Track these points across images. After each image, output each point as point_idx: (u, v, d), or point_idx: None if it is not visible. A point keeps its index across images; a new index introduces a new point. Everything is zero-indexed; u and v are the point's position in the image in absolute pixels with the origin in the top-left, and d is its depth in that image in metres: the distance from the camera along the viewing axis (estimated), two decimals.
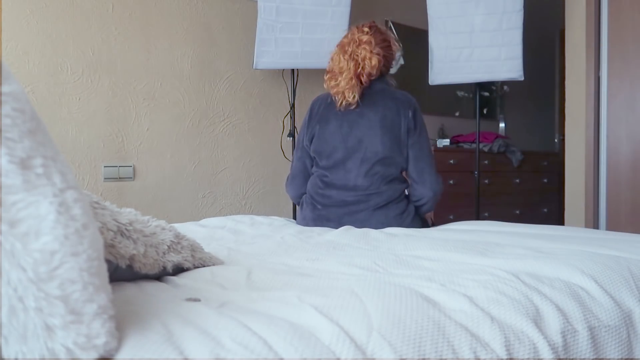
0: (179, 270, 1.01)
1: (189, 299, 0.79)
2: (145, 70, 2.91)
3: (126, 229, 0.89)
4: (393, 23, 3.95)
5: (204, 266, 1.06)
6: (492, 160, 3.94)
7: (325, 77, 1.94)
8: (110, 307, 0.59)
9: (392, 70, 2.08)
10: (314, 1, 2.99)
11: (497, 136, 4.07)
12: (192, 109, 3.08)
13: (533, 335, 0.79)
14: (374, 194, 1.84)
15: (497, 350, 0.74)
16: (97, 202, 0.89)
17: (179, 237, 1.02)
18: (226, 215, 3.14)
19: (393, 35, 2.07)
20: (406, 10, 4.07)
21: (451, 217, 3.52)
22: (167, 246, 0.97)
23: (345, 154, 1.86)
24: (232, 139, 3.23)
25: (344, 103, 1.87)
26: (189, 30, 3.06)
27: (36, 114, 0.61)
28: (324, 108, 1.95)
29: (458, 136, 4.15)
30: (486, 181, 3.87)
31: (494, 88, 4.70)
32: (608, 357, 0.86)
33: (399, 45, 2.04)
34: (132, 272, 0.90)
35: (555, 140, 5.29)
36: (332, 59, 1.96)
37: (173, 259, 0.97)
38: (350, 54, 1.90)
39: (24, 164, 0.57)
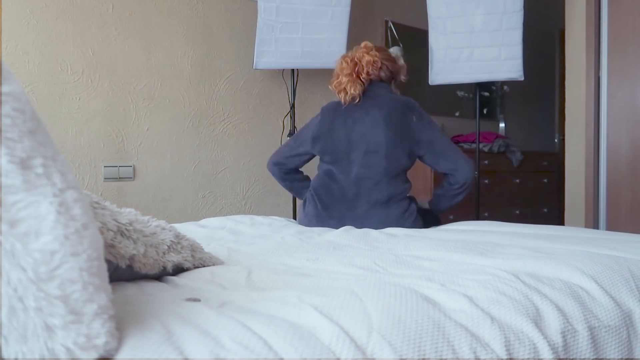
0: (179, 270, 1.01)
1: (189, 299, 0.79)
2: (145, 70, 2.91)
3: (126, 229, 0.89)
4: (393, 23, 3.95)
5: (204, 266, 1.06)
6: (492, 160, 3.94)
7: (331, 83, 2.05)
8: (110, 307, 0.59)
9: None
10: (314, 1, 2.99)
11: (497, 136, 4.07)
12: (192, 109, 3.08)
13: (533, 336, 0.79)
14: (375, 188, 1.86)
15: (497, 350, 0.74)
16: (97, 202, 0.89)
17: (179, 237, 1.02)
18: (226, 215, 3.14)
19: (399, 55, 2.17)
20: (406, 10, 4.07)
21: (451, 217, 3.52)
22: (167, 246, 0.97)
23: (349, 147, 1.92)
24: (232, 139, 3.23)
25: (347, 98, 1.95)
26: (189, 30, 3.06)
27: (36, 114, 0.61)
28: (332, 111, 2.02)
29: (458, 136, 4.15)
30: (486, 181, 3.87)
31: (494, 88, 4.70)
32: (608, 357, 0.86)
33: (404, 65, 2.13)
34: (132, 272, 0.90)
35: (555, 140, 5.29)
36: (336, 67, 2.07)
37: (173, 259, 0.97)
38: (352, 58, 2.01)
39: (24, 164, 0.57)
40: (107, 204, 0.92)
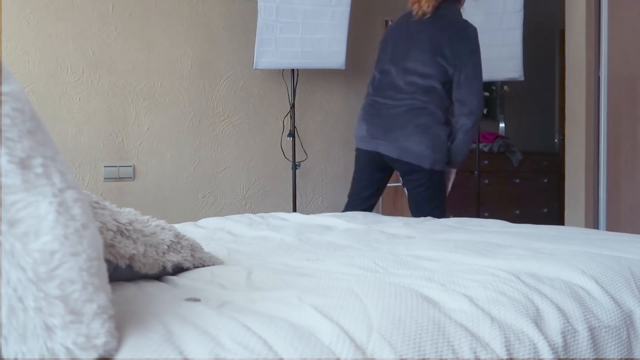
0: (178, 270, 1.01)
1: (189, 299, 0.79)
2: (145, 70, 2.91)
3: (126, 229, 0.89)
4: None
5: (203, 266, 1.05)
6: (492, 160, 3.94)
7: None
8: (110, 307, 0.59)
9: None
10: (314, 1, 2.99)
11: (497, 136, 4.07)
12: (192, 109, 3.08)
13: (533, 336, 0.78)
14: (410, 98, 2.16)
15: (497, 350, 0.74)
16: (97, 202, 0.89)
17: (178, 236, 1.02)
18: (226, 215, 3.15)
19: None
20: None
21: (451, 216, 3.52)
22: (167, 246, 0.97)
23: (393, 62, 2.22)
24: (232, 139, 3.23)
25: (419, 12, 2.22)
26: (189, 30, 3.06)
27: (36, 114, 0.61)
28: (390, 29, 2.36)
29: None
30: (486, 181, 3.87)
31: (494, 88, 4.70)
32: (608, 357, 0.86)
33: None
34: (131, 272, 0.90)
35: (555, 140, 5.29)
36: None
37: (173, 258, 0.97)
38: None
39: (24, 164, 0.57)
40: (107, 203, 0.92)
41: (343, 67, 3.17)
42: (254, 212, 3.30)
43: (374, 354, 0.66)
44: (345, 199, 2.48)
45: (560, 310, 0.86)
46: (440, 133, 2.17)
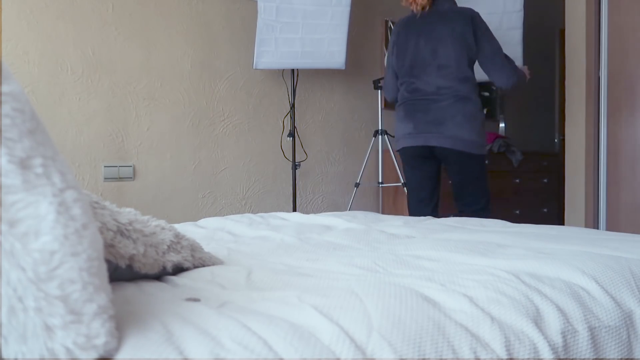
0: (178, 270, 1.01)
1: (189, 299, 0.79)
2: (145, 70, 2.91)
3: (126, 229, 0.89)
4: (393, 23, 3.94)
5: (203, 266, 1.05)
6: (492, 160, 3.94)
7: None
8: (110, 307, 0.59)
9: None
10: (314, 1, 2.99)
11: (497, 136, 4.07)
12: (192, 109, 3.08)
13: (533, 336, 0.78)
14: (452, 90, 2.32)
15: (497, 350, 0.74)
16: (96, 202, 0.89)
17: (178, 236, 1.02)
18: (226, 215, 3.15)
19: None
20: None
21: (451, 216, 3.52)
22: (167, 246, 0.97)
23: (423, 64, 2.36)
24: (232, 139, 3.23)
25: (418, 8, 2.37)
26: (189, 30, 3.06)
27: (36, 114, 0.61)
28: (401, 29, 2.47)
29: None
30: None
31: (494, 88, 4.70)
32: (608, 357, 0.86)
33: None
34: (131, 272, 0.90)
35: (555, 140, 5.29)
36: None
37: (173, 258, 0.97)
38: None
39: (24, 164, 0.57)
40: (107, 203, 0.92)
41: (343, 67, 3.17)
42: (254, 212, 3.30)
43: (374, 354, 0.66)
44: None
45: (560, 310, 0.86)
46: (482, 119, 2.40)
